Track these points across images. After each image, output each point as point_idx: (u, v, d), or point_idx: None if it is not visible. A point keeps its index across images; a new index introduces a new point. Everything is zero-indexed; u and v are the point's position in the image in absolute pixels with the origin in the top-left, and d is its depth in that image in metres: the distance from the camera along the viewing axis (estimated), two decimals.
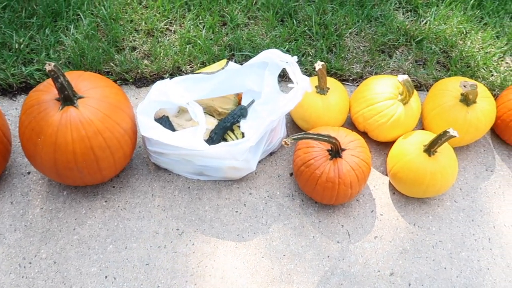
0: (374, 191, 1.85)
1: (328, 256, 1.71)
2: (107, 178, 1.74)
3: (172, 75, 2.05)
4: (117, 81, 2.02)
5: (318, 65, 1.71)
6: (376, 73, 2.07)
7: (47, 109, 1.55)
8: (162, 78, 2.05)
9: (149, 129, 1.66)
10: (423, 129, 1.94)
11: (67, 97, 1.53)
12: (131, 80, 2.03)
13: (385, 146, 1.91)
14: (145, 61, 2.06)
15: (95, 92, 1.59)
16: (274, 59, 1.77)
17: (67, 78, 1.51)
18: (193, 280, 1.65)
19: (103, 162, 1.62)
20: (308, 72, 2.05)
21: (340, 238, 1.74)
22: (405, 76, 1.68)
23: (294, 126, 1.97)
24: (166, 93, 1.71)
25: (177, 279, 1.65)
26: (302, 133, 1.49)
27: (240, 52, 2.08)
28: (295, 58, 1.76)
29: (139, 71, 2.03)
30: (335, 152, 1.65)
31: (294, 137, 1.45)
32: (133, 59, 2.04)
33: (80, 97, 1.56)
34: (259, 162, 1.89)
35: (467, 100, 1.76)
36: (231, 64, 1.86)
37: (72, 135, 1.53)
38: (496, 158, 1.94)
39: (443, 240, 1.75)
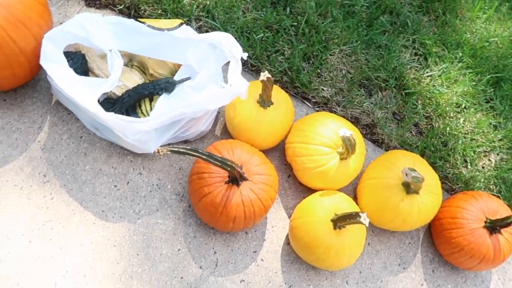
0: (269, 232, 1.62)
1: (182, 278, 1.51)
2: None
3: (128, 9, 1.78)
4: None
5: (263, 76, 1.43)
6: (344, 106, 1.78)
7: None
8: (115, 6, 1.78)
9: (48, 60, 1.42)
10: (355, 191, 1.69)
11: None
12: None
13: (308, 189, 1.66)
14: None
15: None
16: (224, 45, 1.50)
17: None
18: (30, 235, 1.47)
19: None
20: (271, 72, 1.77)
21: (205, 265, 1.54)
22: (348, 133, 1.40)
23: (225, 127, 1.71)
24: (87, 29, 1.45)
25: (14, 227, 1.47)
26: (189, 147, 1.24)
27: (209, 20, 1.79)
28: (245, 55, 1.49)
29: None
30: (233, 178, 1.41)
31: (173, 148, 1.20)
32: None
33: None
34: (167, 144, 1.65)
35: (408, 187, 1.49)
36: (185, 28, 1.58)
37: None
38: (417, 257, 1.69)
39: None
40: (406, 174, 1.41)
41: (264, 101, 1.54)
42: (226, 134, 1.71)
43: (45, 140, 1.59)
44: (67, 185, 1.55)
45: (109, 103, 1.57)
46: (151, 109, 1.58)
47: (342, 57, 1.85)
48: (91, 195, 1.55)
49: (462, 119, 1.84)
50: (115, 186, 1.58)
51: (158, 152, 1.18)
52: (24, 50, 1.41)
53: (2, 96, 1.61)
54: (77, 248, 1.49)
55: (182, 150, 1.22)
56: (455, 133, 1.80)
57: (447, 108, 1.83)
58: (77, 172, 1.57)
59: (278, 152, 1.72)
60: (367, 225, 1.33)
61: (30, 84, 1.65)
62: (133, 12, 1.77)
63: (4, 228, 1.46)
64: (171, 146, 1.21)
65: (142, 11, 1.77)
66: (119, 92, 1.57)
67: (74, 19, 1.45)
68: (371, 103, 1.81)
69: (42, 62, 1.42)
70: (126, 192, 1.58)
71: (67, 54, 1.51)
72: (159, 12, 1.76)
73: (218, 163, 1.30)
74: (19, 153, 1.56)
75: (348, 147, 1.44)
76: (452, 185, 1.75)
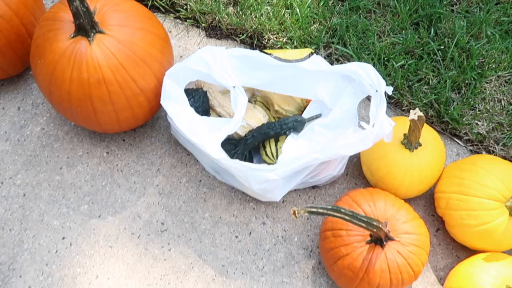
0: None
1: None
2: (109, 132, 1.44)
3: (251, 38, 1.63)
4: (187, 20, 1.65)
5: (414, 114, 1.18)
6: (504, 145, 1.47)
7: (59, 30, 1.24)
8: (237, 36, 1.63)
9: (169, 99, 1.30)
10: None
11: (82, 27, 1.20)
12: (203, 24, 1.65)
13: (463, 248, 1.37)
14: (230, 8, 1.65)
15: (122, 32, 1.24)
16: (363, 78, 1.27)
17: (87, 3, 1.16)
18: None
19: (102, 116, 1.31)
20: (414, 105, 1.51)
21: None
22: None
23: (359, 168, 1.49)
24: (209, 64, 1.30)
25: (132, 280, 1.35)
26: (329, 207, 1.03)
27: (340, 46, 1.57)
28: (389, 89, 1.25)
29: (217, 18, 1.63)
30: (377, 238, 1.17)
31: (311, 209, 1.00)
32: (216, 0, 1.64)
33: (99, 31, 1.23)
34: (294, 191, 1.46)
35: None
36: (315, 58, 1.38)
37: (72, 74, 1.22)
38: None
39: None
40: None
41: (411, 142, 1.29)
42: (360, 177, 1.48)
43: (163, 184, 1.47)
44: (185, 234, 1.41)
45: (231, 144, 1.41)
46: (277, 151, 1.40)
47: (501, 85, 1.53)
48: (211, 247, 1.40)
49: None
50: (236, 237, 1.41)
51: (294, 213, 0.98)
52: (144, 90, 1.30)
53: (121, 136, 1.53)
54: None
55: (321, 210, 1.01)
56: None
57: None
58: (196, 220, 1.43)
59: (423, 201, 1.45)
60: None
61: (149, 122, 1.55)
62: (256, 42, 1.62)
63: (121, 282, 1.35)
64: (309, 206, 1.00)
65: (266, 40, 1.61)
66: (241, 132, 1.41)
67: (196, 54, 1.32)
68: None
69: (163, 101, 1.31)
70: (248, 245, 1.40)
71: (188, 91, 1.38)
72: (284, 40, 1.59)
73: (363, 224, 1.07)
74: (137, 198, 1.46)
75: None
76: None
